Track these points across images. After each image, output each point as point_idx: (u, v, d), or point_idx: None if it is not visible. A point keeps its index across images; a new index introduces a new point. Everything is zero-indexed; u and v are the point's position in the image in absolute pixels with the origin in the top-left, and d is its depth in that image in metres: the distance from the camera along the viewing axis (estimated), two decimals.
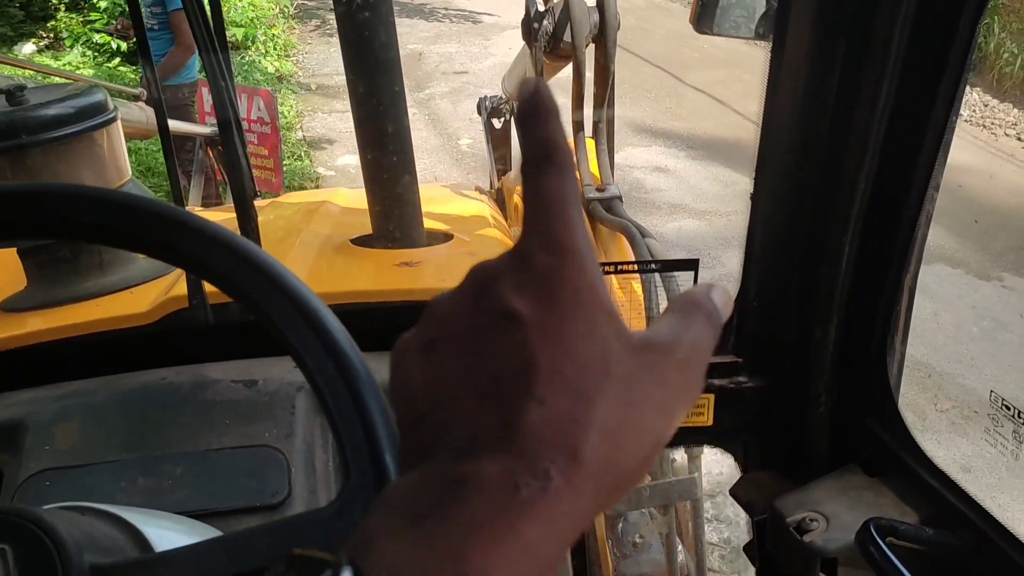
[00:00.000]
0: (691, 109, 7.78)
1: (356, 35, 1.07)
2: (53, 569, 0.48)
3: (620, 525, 1.52)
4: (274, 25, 9.36)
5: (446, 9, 11.49)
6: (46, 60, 7.70)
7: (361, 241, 1.40)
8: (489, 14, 11.12)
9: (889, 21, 0.80)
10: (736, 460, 1.21)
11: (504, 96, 3.26)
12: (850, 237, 0.93)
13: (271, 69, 8.32)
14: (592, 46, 1.73)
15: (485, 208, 1.82)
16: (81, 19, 8.00)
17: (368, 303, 1.22)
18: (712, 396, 1.13)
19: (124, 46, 7.30)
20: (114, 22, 7.17)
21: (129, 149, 1.35)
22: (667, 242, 5.42)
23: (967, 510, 0.89)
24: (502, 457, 0.29)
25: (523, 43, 1.91)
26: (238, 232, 1.14)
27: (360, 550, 0.30)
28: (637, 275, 1.28)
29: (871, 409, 1.03)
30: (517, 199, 2.63)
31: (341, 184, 6.13)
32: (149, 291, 1.21)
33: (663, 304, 1.31)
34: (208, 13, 1.05)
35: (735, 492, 1.20)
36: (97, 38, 7.57)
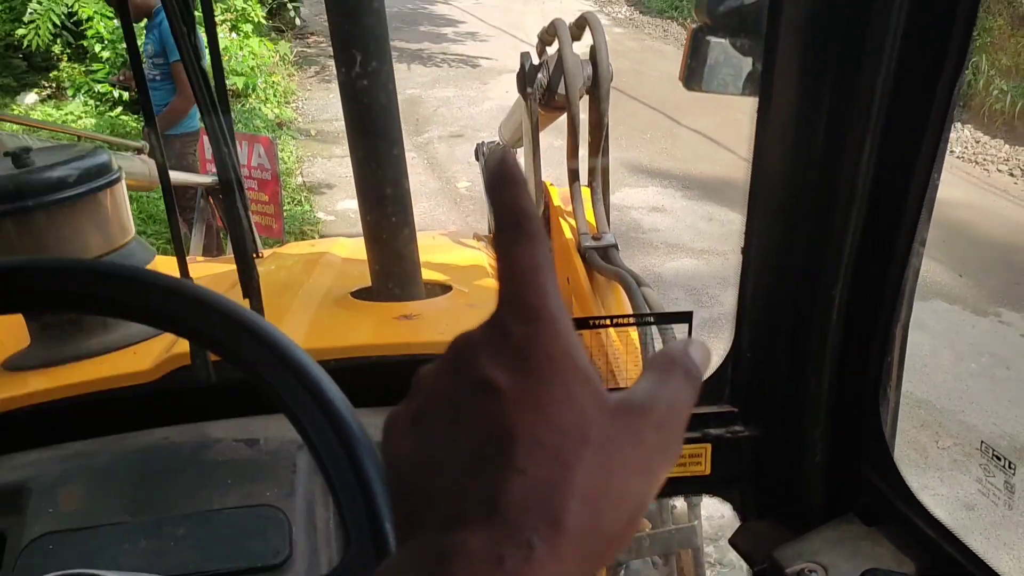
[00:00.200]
0: (686, 150, 7.86)
1: (356, 101, 1.10)
2: None
3: (622, 574, 1.52)
4: (274, 72, 9.48)
5: (444, 54, 11.65)
6: (48, 110, 7.81)
7: (361, 294, 1.42)
8: (486, 58, 11.28)
9: (871, 77, 0.82)
10: (734, 509, 1.22)
11: (501, 142, 3.30)
12: (840, 289, 0.95)
13: (271, 116, 8.42)
14: (586, 97, 1.77)
15: (483, 257, 1.85)
16: (83, 69, 8.11)
17: (368, 357, 1.23)
18: (709, 445, 1.14)
19: (126, 96, 7.40)
20: (116, 72, 7.27)
21: (130, 197, 1.37)
22: (666, 282, 5.45)
23: (964, 560, 0.89)
24: (485, 529, 0.30)
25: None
26: (239, 289, 1.16)
27: None
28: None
29: (867, 458, 1.04)
30: None
31: (341, 228, 6.17)
32: (151, 348, 1.23)
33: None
34: (210, 73, 1.08)
35: (734, 542, 1.21)
36: (99, 88, 7.66)
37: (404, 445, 0.35)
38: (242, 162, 4.54)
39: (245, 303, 1.12)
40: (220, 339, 0.62)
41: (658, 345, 1.27)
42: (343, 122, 1.22)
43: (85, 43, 7.81)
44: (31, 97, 8.21)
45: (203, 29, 1.21)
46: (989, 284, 5.36)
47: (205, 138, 4.71)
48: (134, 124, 7.19)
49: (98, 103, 7.79)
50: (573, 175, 1.81)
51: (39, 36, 7.49)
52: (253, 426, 1.03)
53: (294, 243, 3.06)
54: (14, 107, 7.91)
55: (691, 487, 1.21)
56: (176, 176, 3.38)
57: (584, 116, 1.75)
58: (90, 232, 1.23)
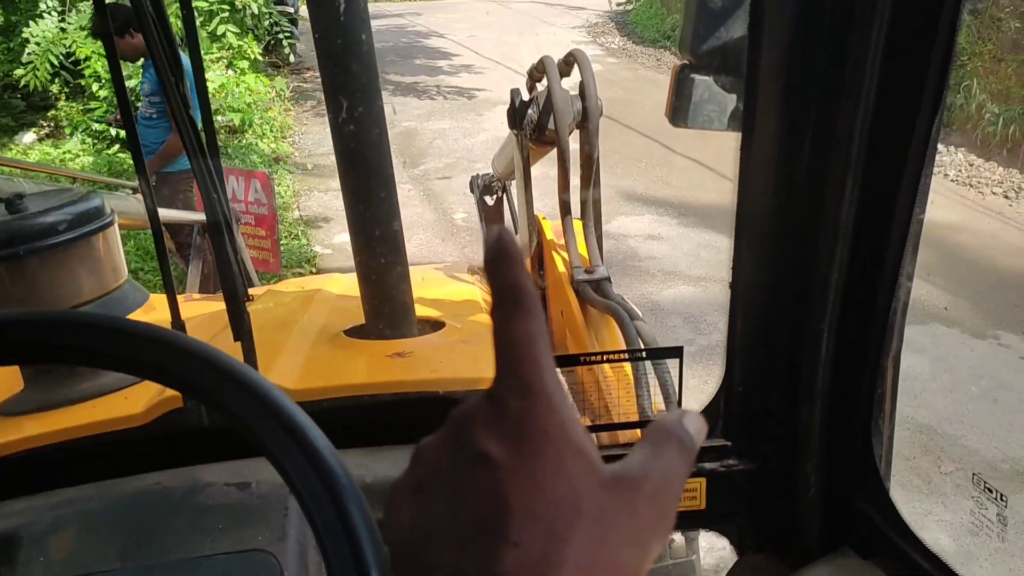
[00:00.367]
0: (682, 178, 7.91)
1: (347, 144, 1.12)
2: None
3: None
4: (270, 108, 9.56)
5: (439, 87, 11.76)
6: (46, 149, 7.86)
7: (354, 332, 1.42)
8: (481, 90, 11.38)
9: (850, 116, 0.83)
10: (731, 543, 1.21)
11: (494, 174, 3.33)
12: (828, 323, 0.95)
13: (267, 150, 8.48)
14: (577, 131, 1.78)
15: (476, 292, 1.85)
16: (81, 108, 8.18)
17: (361, 396, 1.23)
18: (704, 480, 1.14)
19: (123, 134, 7.45)
20: (113, 111, 7.34)
21: (127, 235, 1.39)
22: (663, 310, 5.45)
23: None
24: None
25: None
26: (231, 332, 1.16)
27: None
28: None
29: (861, 490, 1.04)
30: None
31: (338, 261, 6.19)
32: (144, 392, 1.23)
33: (653, 384, 1.32)
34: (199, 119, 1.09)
35: None
36: (96, 126, 7.72)
37: (405, 515, 0.36)
38: (239, 197, 4.57)
39: (237, 346, 1.12)
40: (204, 387, 0.62)
41: (651, 378, 1.27)
42: (335, 156, 1.23)
43: (83, 82, 7.89)
44: (29, 136, 8.27)
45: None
46: (987, 307, 5.36)
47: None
48: (131, 162, 7.22)
49: (95, 141, 7.85)
50: (565, 208, 1.83)
51: (37, 76, 7.56)
52: (245, 469, 1.03)
53: (288, 280, 3.07)
54: (12, 146, 7.98)
55: (687, 522, 1.20)
56: (172, 214, 3.40)
57: (576, 147, 1.77)
58: (83, 276, 1.23)
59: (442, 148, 9.18)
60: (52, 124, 8.52)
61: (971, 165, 7.90)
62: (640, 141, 8.73)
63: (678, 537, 1.52)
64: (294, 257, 6.25)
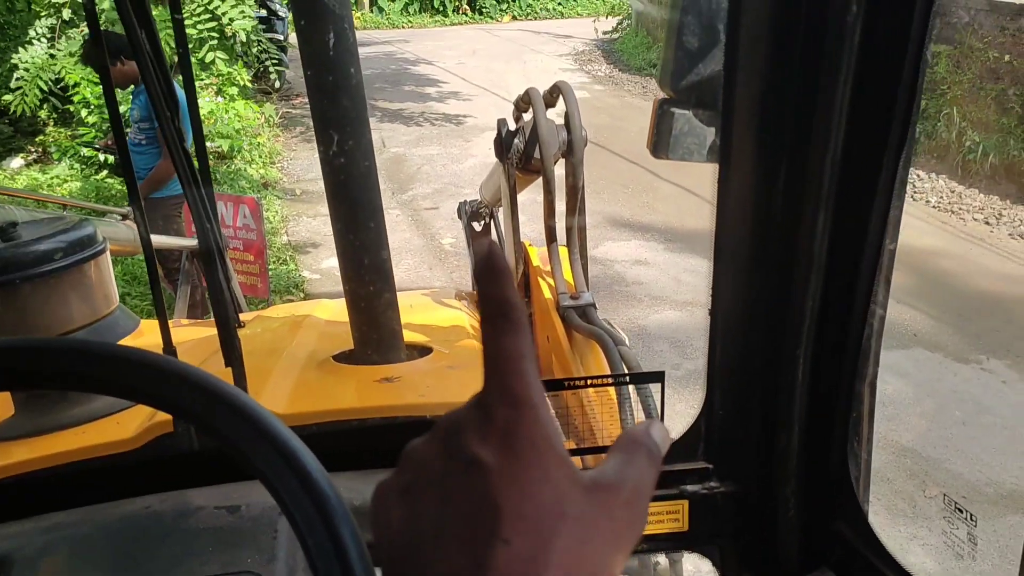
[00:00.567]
0: (667, 203, 7.98)
1: (336, 176, 1.14)
2: None
3: None
4: (259, 134, 9.60)
5: (427, 113, 11.84)
6: (34, 174, 7.85)
7: (343, 357, 1.44)
8: (469, 116, 11.47)
9: (822, 150, 0.87)
10: (713, 565, 1.23)
11: (482, 201, 3.36)
12: (803, 351, 0.98)
13: (256, 176, 8.50)
14: (562, 161, 1.82)
15: (464, 317, 1.87)
16: (69, 134, 8.19)
17: (350, 420, 1.25)
18: (686, 502, 1.16)
19: (111, 159, 7.47)
20: (103, 137, 7.35)
21: (115, 260, 1.41)
22: (650, 335, 5.48)
23: None
24: None
25: None
26: (222, 356, 1.18)
27: None
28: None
29: (839, 513, 1.06)
30: None
31: (327, 286, 6.20)
32: (134, 417, 1.24)
33: (636, 407, 1.35)
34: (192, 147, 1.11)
35: None
36: (85, 152, 7.73)
37: (394, 515, 0.38)
38: (228, 223, 4.59)
39: (228, 371, 1.14)
40: (195, 411, 0.64)
41: (634, 401, 1.30)
42: (324, 186, 1.26)
43: (72, 108, 7.90)
44: (16, 162, 8.27)
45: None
46: (969, 331, 5.42)
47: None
48: (119, 187, 7.24)
49: (84, 167, 7.86)
50: (550, 235, 1.86)
51: (26, 102, 7.58)
52: (235, 493, 1.04)
53: (277, 306, 3.08)
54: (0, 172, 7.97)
55: (669, 544, 1.22)
56: (161, 240, 3.41)
57: (561, 175, 1.80)
58: (75, 303, 1.25)
59: (430, 174, 9.23)
60: (40, 149, 8.53)
61: (952, 192, 8.01)
62: (626, 167, 8.81)
63: (662, 560, 1.54)
64: (282, 282, 6.25)
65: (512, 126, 1.87)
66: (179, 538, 0.97)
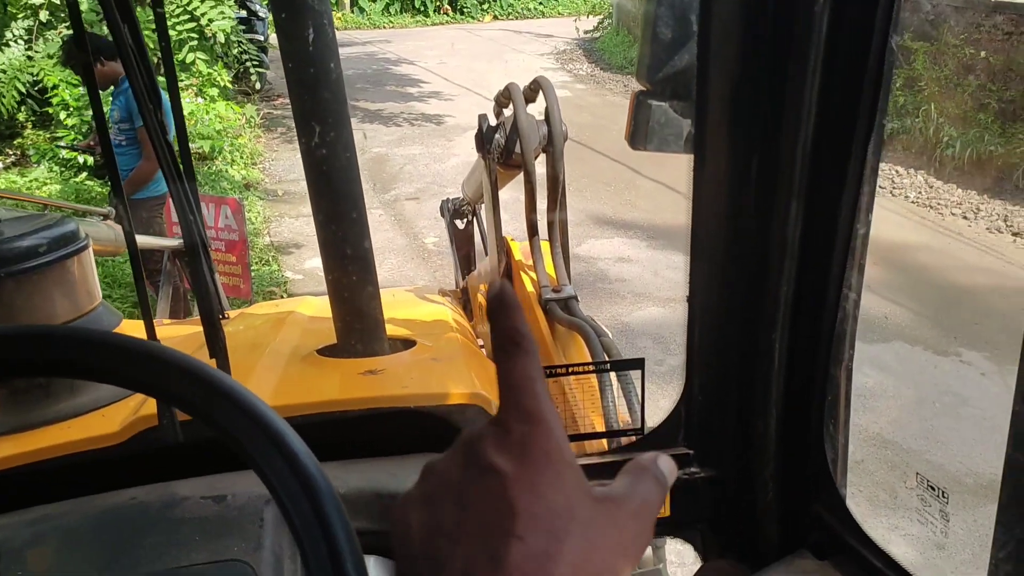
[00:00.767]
0: (649, 200, 8.03)
1: (318, 168, 1.16)
2: None
3: None
4: (240, 135, 9.56)
5: (409, 113, 11.83)
6: (12, 177, 7.79)
7: (327, 351, 1.45)
8: (451, 116, 11.48)
9: (792, 140, 0.89)
10: (695, 549, 1.25)
11: (464, 198, 3.37)
12: (779, 335, 1.00)
13: (238, 177, 8.47)
14: (543, 156, 1.83)
15: (447, 312, 1.89)
16: (48, 136, 8.13)
17: (333, 412, 1.26)
18: None
19: (91, 161, 7.42)
20: (80, 139, 7.30)
21: (96, 262, 1.41)
22: (633, 331, 5.51)
23: None
24: None
25: None
26: (207, 351, 1.19)
27: None
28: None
29: (816, 495, 1.09)
30: (481, 298, 2.71)
31: (309, 286, 6.18)
32: (119, 411, 1.25)
33: (618, 397, 1.37)
34: (174, 140, 1.12)
35: None
36: (63, 154, 7.68)
37: (414, 519, 0.41)
38: (209, 224, 4.57)
39: (212, 364, 1.15)
40: (190, 399, 0.65)
41: (615, 388, 1.32)
42: (305, 180, 1.27)
43: (50, 110, 7.84)
44: None
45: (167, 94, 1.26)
46: (948, 324, 5.49)
47: (171, 201, 4.74)
48: (99, 189, 7.19)
49: (63, 169, 7.80)
50: (532, 230, 1.87)
51: (3, 104, 7.52)
52: (221, 483, 1.05)
53: (261, 303, 3.08)
54: None
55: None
56: (142, 240, 3.40)
57: (542, 170, 1.82)
58: (58, 299, 1.25)
59: (412, 173, 9.23)
60: (18, 152, 8.45)
61: (931, 187, 8.10)
62: (608, 165, 8.85)
63: None
64: (265, 283, 6.24)
65: (493, 121, 1.88)
66: (165, 528, 0.98)
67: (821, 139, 0.87)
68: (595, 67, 15.18)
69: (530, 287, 1.89)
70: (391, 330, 1.48)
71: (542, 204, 1.84)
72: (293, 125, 1.22)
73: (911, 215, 7.52)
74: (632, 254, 6.85)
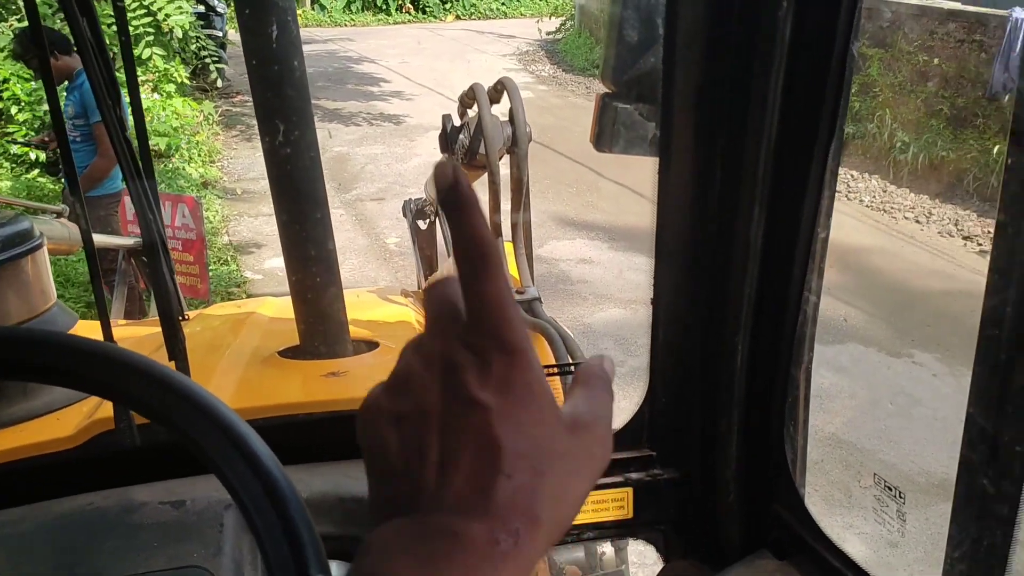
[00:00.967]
0: (611, 202, 8.07)
1: (281, 168, 1.14)
2: None
3: None
4: (198, 132, 9.42)
5: (371, 113, 11.75)
6: None
7: (289, 353, 1.43)
8: (413, 116, 11.43)
9: (756, 145, 0.90)
10: (657, 550, 1.26)
11: (427, 200, 3.36)
12: (741, 337, 1.01)
13: (196, 175, 8.34)
14: (507, 156, 1.83)
15: (410, 313, 1.88)
16: None
17: (296, 415, 1.24)
18: (631, 489, 1.19)
19: (43, 157, 7.24)
20: (32, 134, 7.13)
21: (50, 261, 1.38)
22: (595, 333, 5.54)
23: None
24: (484, 518, 0.38)
25: None
26: (165, 352, 1.17)
27: None
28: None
29: (777, 495, 1.10)
30: None
31: (269, 287, 6.11)
32: (74, 414, 1.22)
33: None
34: (133, 136, 1.09)
35: None
36: (15, 150, 7.49)
37: (390, 437, 0.41)
38: (166, 223, 4.50)
39: (171, 366, 1.13)
40: (148, 401, 0.64)
41: None
42: (268, 179, 1.25)
43: (1, 105, 7.64)
44: None
45: (126, 91, 1.24)
46: (901, 326, 5.60)
47: (126, 199, 4.66)
48: (52, 186, 7.03)
49: (14, 165, 7.61)
50: (496, 231, 1.87)
51: None
52: (179, 488, 1.03)
53: (220, 304, 3.03)
54: None
55: (615, 531, 1.25)
56: (98, 239, 3.33)
57: (506, 171, 1.82)
58: (11, 299, 1.22)
59: (374, 173, 9.17)
60: None
61: (885, 191, 8.26)
62: (570, 167, 8.88)
63: (608, 548, 1.56)
64: (223, 283, 6.15)
65: (457, 122, 1.88)
66: (122, 534, 0.96)
67: (784, 143, 0.88)
68: (557, 68, 15.23)
69: None
70: (354, 332, 1.47)
71: (505, 205, 1.83)
72: (252, 122, 1.20)
73: (866, 219, 7.67)
74: (594, 255, 6.88)
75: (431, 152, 8.90)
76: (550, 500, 0.40)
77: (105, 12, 4.38)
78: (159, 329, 1.19)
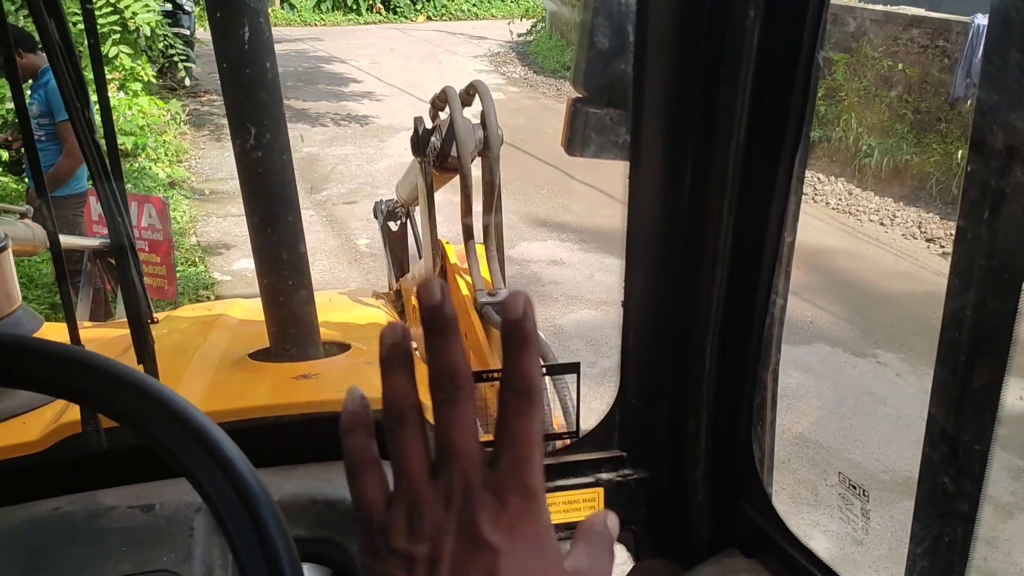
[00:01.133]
0: (582, 203, 8.11)
1: (252, 170, 1.14)
2: None
3: None
4: (165, 132, 9.30)
5: (341, 113, 11.69)
6: None
7: (259, 355, 1.42)
8: (384, 116, 11.39)
9: (724, 151, 0.92)
10: (628, 550, 1.27)
11: (398, 200, 3.35)
12: (710, 339, 1.03)
13: (163, 175, 8.24)
14: (479, 159, 1.84)
15: (382, 315, 1.88)
16: None
17: (267, 417, 1.24)
18: (602, 490, 1.20)
19: (5, 155, 7.11)
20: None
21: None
22: (566, 334, 5.56)
23: None
24: None
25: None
26: (133, 354, 1.15)
27: None
28: None
29: (745, 494, 1.12)
30: (415, 301, 2.70)
31: (238, 288, 6.06)
32: (40, 418, 1.20)
33: (553, 399, 1.38)
34: (100, 135, 1.08)
35: None
36: None
37: (396, 566, 0.42)
38: (132, 223, 4.44)
39: (139, 369, 1.12)
40: (117, 405, 0.63)
41: (550, 392, 1.33)
42: (239, 182, 1.25)
43: None
44: None
45: (93, 90, 1.22)
46: (866, 327, 5.69)
47: (91, 199, 4.60)
48: (14, 186, 6.91)
49: None
50: (468, 233, 1.88)
51: None
52: (148, 492, 1.02)
53: (189, 306, 3.00)
54: None
55: None
56: (63, 240, 3.28)
57: (478, 174, 1.83)
58: None
59: (345, 174, 9.13)
60: None
61: (850, 194, 8.39)
62: (541, 168, 8.91)
63: None
64: (191, 284, 6.08)
65: (429, 124, 1.88)
66: (90, 539, 0.95)
67: (752, 148, 0.89)
68: (528, 70, 15.26)
69: (465, 290, 1.89)
70: (325, 334, 1.46)
71: (477, 207, 1.84)
72: (222, 122, 1.19)
73: (832, 221, 7.78)
74: (565, 257, 6.91)
75: (402, 154, 8.87)
76: None
77: (70, 10, 4.32)
78: (126, 331, 1.17)
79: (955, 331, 0.73)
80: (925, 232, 7.41)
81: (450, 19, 22.74)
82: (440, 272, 2.05)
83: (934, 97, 8.26)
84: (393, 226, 3.54)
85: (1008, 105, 0.65)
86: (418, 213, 3.28)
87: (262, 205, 1.16)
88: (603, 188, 8.15)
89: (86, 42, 1.11)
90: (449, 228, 2.12)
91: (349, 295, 2.27)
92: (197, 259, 6.67)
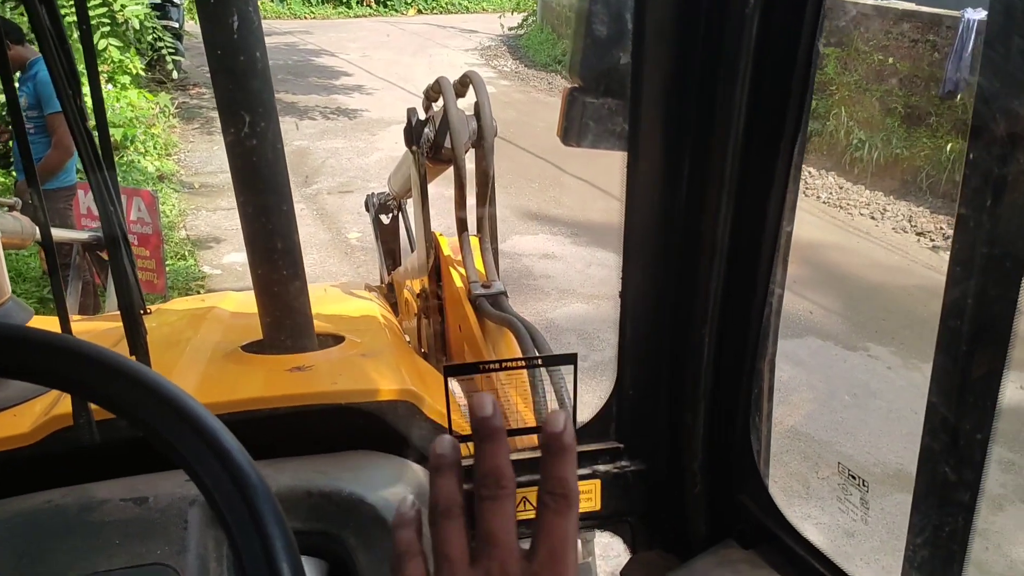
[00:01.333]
0: (574, 197, 8.11)
1: (245, 160, 1.12)
2: None
3: None
4: (154, 124, 9.25)
5: (332, 106, 11.65)
6: None
7: (252, 347, 1.41)
8: (375, 110, 11.35)
9: (723, 141, 0.91)
10: (625, 542, 1.27)
11: (391, 193, 3.34)
12: (708, 330, 1.02)
13: (152, 168, 8.19)
14: (472, 150, 1.83)
15: (375, 307, 1.87)
16: None
17: (260, 410, 1.23)
18: (598, 481, 1.19)
19: None
20: None
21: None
22: (558, 327, 5.56)
23: (831, 574, 0.97)
24: None
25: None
26: (126, 346, 1.14)
27: None
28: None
29: (742, 486, 1.12)
30: (407, 294, 2.68)
31: (228, 282, 6.04)
32: (31, 410, 1.19)
33: (549, 392, 1.37)
34: (93, 126, 1.07)
35: (625, 574, 1.26)
36: None
37: None
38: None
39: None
40: (110, 394, 0.62)
41: (547, 385, 1.32)
42: (229, 174, 1.23)
43: None
44: None
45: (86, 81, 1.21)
46: (857, 320, 5.71)
47: (80, 193, 4.57)
48: (2, 179, 6.86)
49: None
50: (462, 226, 1.87)
51: None
52: (141, 484, 1.01)
53: (181, 298, 2.99)
54: None
55: (583, 523, 1.25)
56: (53, 233, 3.26)
57: (471, 166, 1.81)
58: None
59: (335, 167, 9.10)
60: None
61: (841, 188, 8.41)
62: (533, 162, 8.90)
63: None
64: (181, 278, 6.06)
65: (422, 115, 1.87)
66: (83, 532, 0.94)
67: (750, 139, 0.89)
68: (519, 64, 15.23)
69: (459, 283, 1.89)
70: (319, 326, 1.45)
71: (470, 199, 1.83)
72: (211, 115, 1.18)
73: (823, 215, 7.80)
74: (557, 250, 6.90)
75: (393, 147, 8.85)
76: None
77: (60, 2, 4.28)
78: (118, 324, 1.16)
79: (956, 320, 0.72)
80: (915, 226, 7.44)
81: (441, 12, 22.69)
82: (434, 264, 2.04)
83: (925, 91, 8.28)
84: (385, 219, 3.53)
85: (1009, 92, 0.65)
86: (410, 206, 3.26)
87: (255, 195, 1.15)
88: (595, 182, 8.15)
89: (79, 33, 1.10)
90: (440, 221, 2.11)
91: (342, 288, 2.26)
92: (187, 253, 6.64)
